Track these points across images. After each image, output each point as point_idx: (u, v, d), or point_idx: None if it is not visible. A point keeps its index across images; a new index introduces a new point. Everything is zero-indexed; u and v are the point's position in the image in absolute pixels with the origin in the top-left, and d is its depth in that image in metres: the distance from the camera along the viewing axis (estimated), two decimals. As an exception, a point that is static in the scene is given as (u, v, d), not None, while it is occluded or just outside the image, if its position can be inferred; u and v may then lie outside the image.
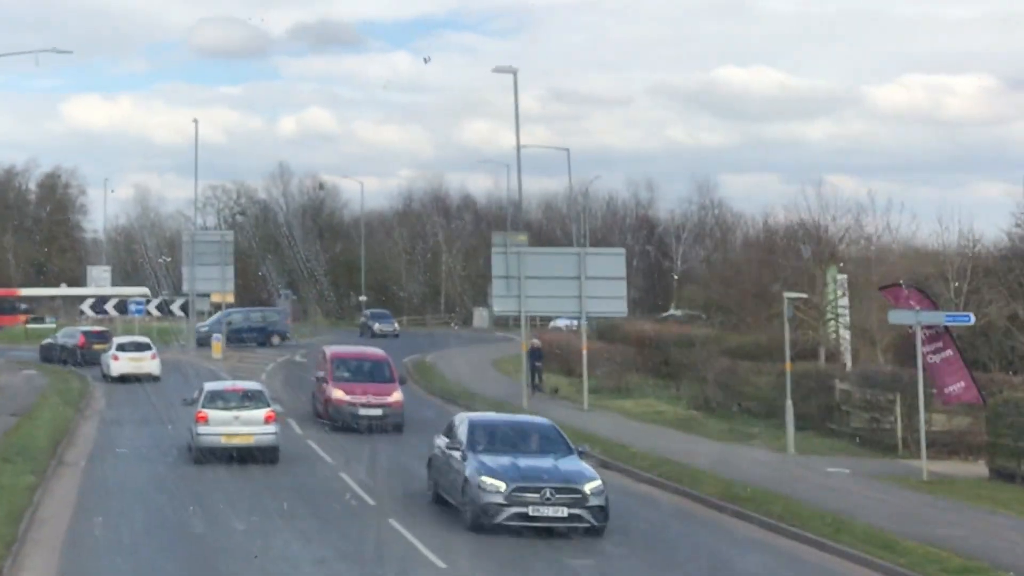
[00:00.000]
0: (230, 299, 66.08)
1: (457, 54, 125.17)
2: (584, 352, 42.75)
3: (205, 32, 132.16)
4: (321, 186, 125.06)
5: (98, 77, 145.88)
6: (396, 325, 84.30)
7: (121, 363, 49.74)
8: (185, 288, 66.18)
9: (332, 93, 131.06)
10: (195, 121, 67.66)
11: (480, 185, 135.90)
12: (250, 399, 29.51)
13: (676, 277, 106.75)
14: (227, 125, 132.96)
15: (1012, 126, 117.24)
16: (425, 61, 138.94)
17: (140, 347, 51.09)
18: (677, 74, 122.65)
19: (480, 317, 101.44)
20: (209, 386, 30.74)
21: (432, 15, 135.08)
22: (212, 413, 28.57)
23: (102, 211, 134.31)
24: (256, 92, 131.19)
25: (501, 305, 41.10)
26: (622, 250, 42.64)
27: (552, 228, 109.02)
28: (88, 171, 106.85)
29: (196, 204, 68.62)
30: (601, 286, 39.79)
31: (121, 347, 50.85)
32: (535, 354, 46.91)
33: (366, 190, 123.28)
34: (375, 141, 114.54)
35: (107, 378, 49.85)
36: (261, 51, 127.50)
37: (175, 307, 75.31)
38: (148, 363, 50.03)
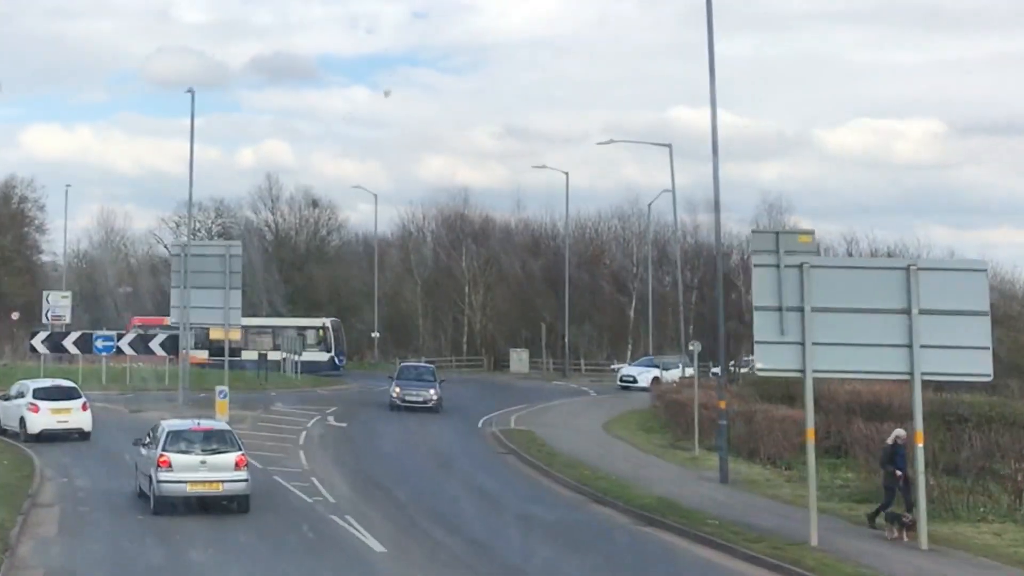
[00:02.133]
0: (235, 335, 48.41)
1: (415, 90, 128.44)
2: (919, 442, 23.99)
3: (163, 63, 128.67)
4: (314, 203, 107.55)
5: (57, 107, 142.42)
6: (436, 391, 50.48)
7: (41, 416, 38.25)
8: (173, 319, 48.51)
9: (290, 126, 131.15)
10: (191, 91, 49.75)
11: (498, 206, 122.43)
12: (218, 441, 26.70)
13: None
14: (185, 156, 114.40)
15: (960, 171, 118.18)
16: (385, 95, 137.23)
17: (65, 394, 39.26)
18: (631, 113, 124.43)
19: (518, 361, 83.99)
20: (169, 425, 27.34)
21: (390, 51, 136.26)
22: (175, 457, 25.81)
23: (62, 236, 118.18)
24: (215, 124, 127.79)
25: (768, 358, 23.14)
26: (983, 265, 23.77)
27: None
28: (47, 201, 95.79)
29: (190, 203, 49.72)
30: (948, 329, 22.40)
31: (41, 394, 38.91)
32: (895, 456, 25.36)
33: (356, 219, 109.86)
34: (333, 175, 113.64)
35: (22, 436, 38.03)
36: (220, 83, 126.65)
37: (156, 344, 57.78)
38: (77, 416, 38.71)
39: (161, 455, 25.57)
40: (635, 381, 66.78)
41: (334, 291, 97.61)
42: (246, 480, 25.96)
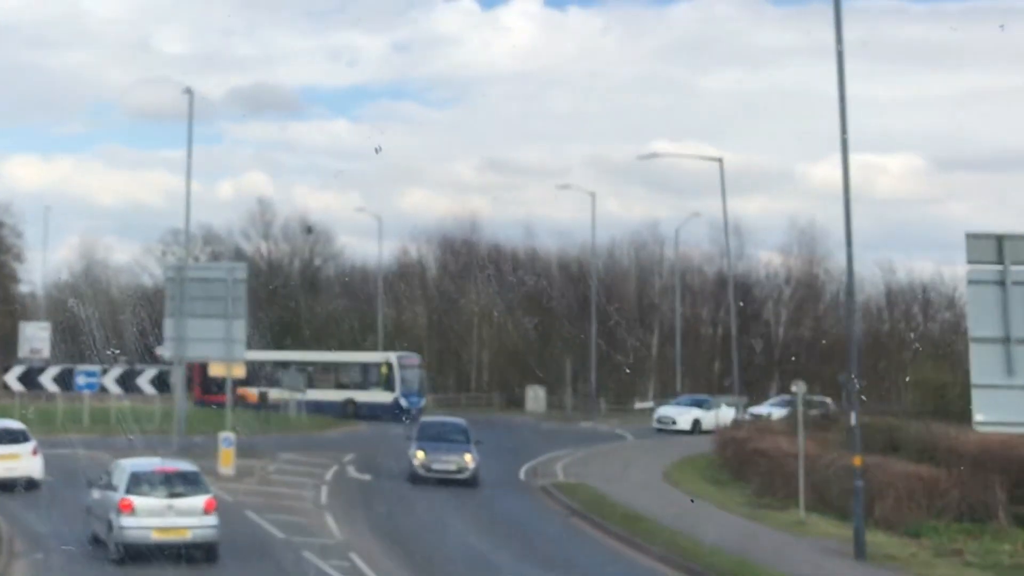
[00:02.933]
0: (239, 372, 41.97)
1: (397, 123, 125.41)
2: None
3: (142, 95, 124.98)
4: (309, 230, 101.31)
5: (37, 138, 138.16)
6: (473, 457, 38.07)
7: None
8: (165, 352, 42.19)
9: (272, 158, 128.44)
10: (188, 91, 43.41)
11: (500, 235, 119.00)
12: (185, 483, 24.39)
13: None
14: (168, 188, 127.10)
15: (942, 206, 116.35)
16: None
17: (11, 437, 34.02)
18: (612, 146, 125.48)
19: (534, 399, 77.59)
20: (131, 465, 24.78)
21: (372, 83, 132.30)
22: (139, 501, 23.44)
23: (41, 265, 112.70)
24: (197, 156, 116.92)
25: (993, 409, 16.73)
26: None
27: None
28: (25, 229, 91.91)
29: (187, 218, 42.64)
30: None
31: None
32: None
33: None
34: (314, 207, 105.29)
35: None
36: (201, 116, 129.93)
37: (144, 380, 51.42)
38: (26, 462, 33.45)
39: (123, 498, 23.42)
40: (674, 423, 60.54)
41: (332, 323, 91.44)
42: (215, 527, 23.82)
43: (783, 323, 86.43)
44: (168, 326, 41.85)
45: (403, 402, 62.00)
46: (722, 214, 59.60)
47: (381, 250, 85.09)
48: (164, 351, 41.96)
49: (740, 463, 39.22)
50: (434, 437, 37.96)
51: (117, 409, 53.58)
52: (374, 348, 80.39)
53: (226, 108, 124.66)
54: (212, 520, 23.80)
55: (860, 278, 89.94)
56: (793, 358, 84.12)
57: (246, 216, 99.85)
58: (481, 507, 32.55)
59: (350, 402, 63.19)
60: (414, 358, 66.72)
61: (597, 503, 31.97)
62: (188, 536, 23.51)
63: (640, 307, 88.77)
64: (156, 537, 23.36)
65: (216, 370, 42.00)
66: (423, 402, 64.57)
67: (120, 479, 24.05)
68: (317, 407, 60.32)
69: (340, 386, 64.75)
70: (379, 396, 62.95)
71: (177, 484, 24.24)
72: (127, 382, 52.04)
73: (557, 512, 32.42)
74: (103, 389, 52.25)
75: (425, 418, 43.72)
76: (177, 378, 43.04)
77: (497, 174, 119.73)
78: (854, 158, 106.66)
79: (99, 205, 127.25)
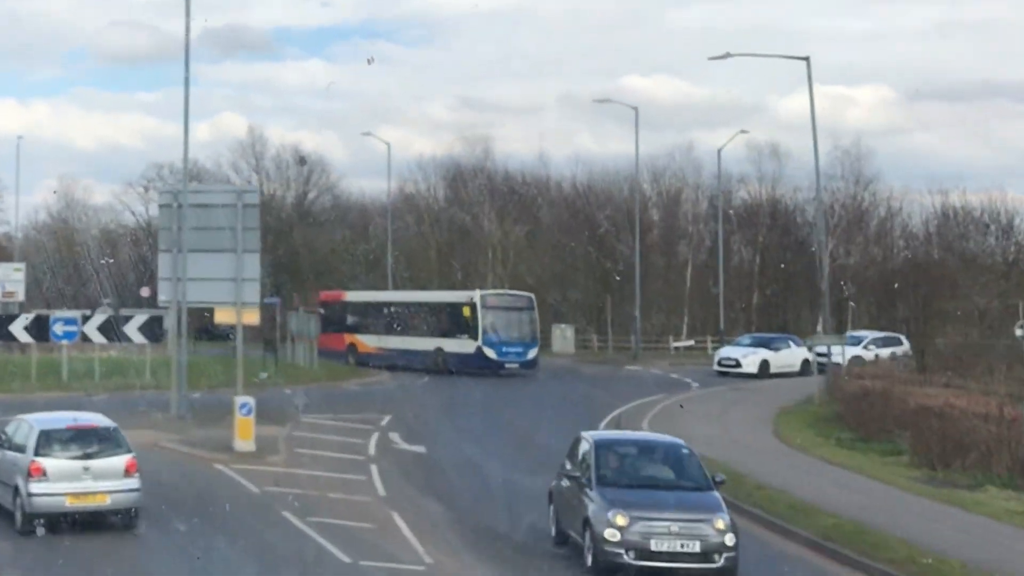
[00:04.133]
0: (251, 319, 34.18)
1: (369, 62, 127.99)
2: None
3: (115, 37, 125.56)
4: (302, 161, 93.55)
5: (13, 83, 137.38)
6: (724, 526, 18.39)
7: None
8: (163, 295, 34.55)
9: (246, 100, 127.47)
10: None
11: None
12: (102, 441, 21.35)
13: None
14: (145, 130, 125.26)
15: (910, 136, 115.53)
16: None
17: None
18: (584, 83, 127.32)
19: (562, 339, 70.08)
20: (39, 422, 21.65)
21: (345, 23, 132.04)
22: (51, 464, 20.57)
23: (14, 208, 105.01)
24: (172, 98, 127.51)
25: None
26: None
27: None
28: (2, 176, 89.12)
29: (186, 125, 34.02)
30: None
31: None
32: None
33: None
34: (289, 146, 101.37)
35: None
36: (175, 57, 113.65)
37: (132, 328, 43.90)
38: None
39: (32, 461, 20.61)
40: (738, 365, 53.13)
41: (332, 260, 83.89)
42: (137, 490, 20.92)
43: (829, 251, 78.53)
44: (163, 264, 34.41)
45: (489, 352, 50.99)
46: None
47: (390, 177, 77.14)
48: (161, 294, 34.23)
49: (874, 419, 31.79)
50: (630, 478, 18.91)
51: (107, 360, 46.33)
52: (384, 284, 72.90)
53: (200, 50, 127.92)
54: (134, 483, 20.81)
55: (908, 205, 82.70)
56: (843, 284, 76.82)
57: (236, 148, 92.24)
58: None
59: (439, 351, 52.66)
60: (510, 297, 55.35)
61: (735, 484, 24.41)
62: (107, 502, 20.57)
63: (669, 237, 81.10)
64: (71, 504, 20.49)
65: (223, 316, 34.23)
66: (529, 355, 52.11)
67: (28, 438, 21.09)
68: (405, 358, 53.08)
69: (429, 333, 54.11)
70: (463, 345, 51.97)
71: (93, 442, 21.27)
72: (113, 330, 44.43)
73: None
74: (85, 338, 44.65)
75: (600, 438, 20.39)
76: (174, 325, 35.32)
77: (471, 112, 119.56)
78: (826, 90, 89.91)
79: (76, 148, 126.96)
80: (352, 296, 60.20)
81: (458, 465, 27.19)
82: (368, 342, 55.83)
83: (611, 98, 64.37)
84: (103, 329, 44.53)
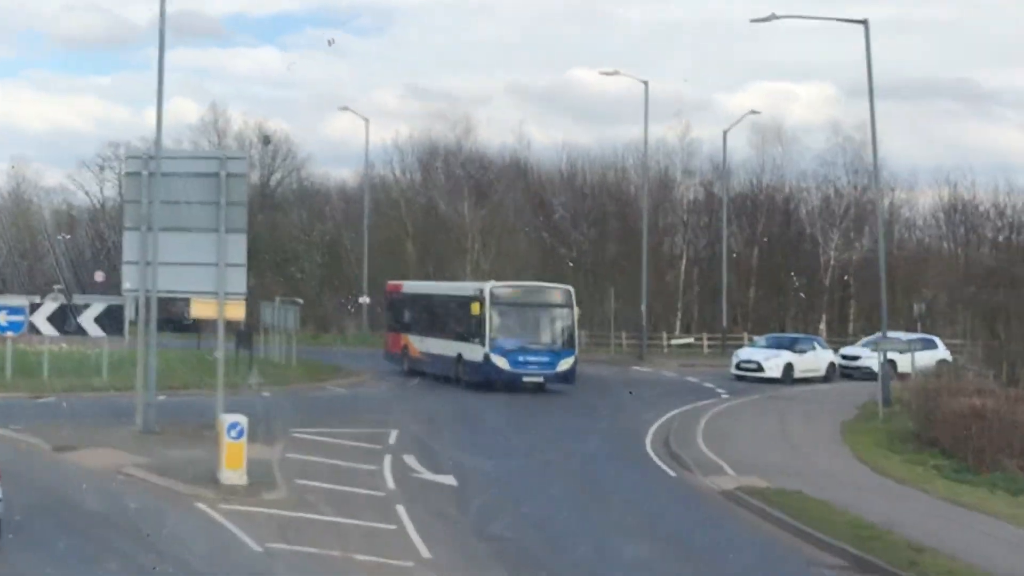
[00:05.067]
0: (238, 312, 28.32)
1: (321, 51, 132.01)
2: None
3: (70, 20, 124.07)
4: (266, 140, 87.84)
5: None
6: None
7: None
8: (128, 282, 28.70)
9: (199, 86, 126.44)
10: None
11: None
12: None
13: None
14: (98, 114, 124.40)
15: (853, 134, 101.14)
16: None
17: None
18: (532, 75, 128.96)
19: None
20: None
21: (296, 12, 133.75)
22: None
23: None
24: (125, 82, 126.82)
25: None
26: None
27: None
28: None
29: (160, 76, 28.67)
30: None
31: None
32: None
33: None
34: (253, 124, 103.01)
35: None
36: (128, 41, 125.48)
37: (88, 318, 38.20)
38: None
39: None
40: (760, 369, 47.82)
41: (300, 245, 77.93)
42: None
43: (835, 246, 73.23)
44: (128, 245, 28.64)
45: (498, 361, 40.23)
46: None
47: (368, 155, 71.30)
48: (127, 281, 28.45)
49: (987, 446, 26.49)
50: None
51: (57, 353, 40.61)
52: (357, 272, 67.22)
53: (152, 34, 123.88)
54: None
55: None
56: (846, 278, 71.76)
57: (198, 127, 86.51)
58: (654, 534, 19.66)
59: (460, 359, 41.96)
60: (531, 290, 43.76)
61: (878, 542, 18.92)
62: None
63: (658, 226, 75.63)
64: None
65: (202, 310, 28.42)
66: (559, 366, 40.72)
67: None
68: (435, 365, 44.11)
69: (450, 335, 43.30)
70: (473, 352, 41.17)
71: None
72: (66, 321, 38.59)
73: (770, 535, 19.76)
74: (33, 330, 38.84)
75: None
76: (141, 316, 29.58)
77: (421, 101, 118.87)
78: (770, 86, 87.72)
79: (28, 130, 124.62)
80: (408, 287, 50.83)
81: (503, 505, 21.61)
82: (416, 345, 45.98)
83: (619, 71, 58.06)
84: (54, 319, 38.70)
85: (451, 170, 78.44)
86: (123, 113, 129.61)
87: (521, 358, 40.30)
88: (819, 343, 51.39)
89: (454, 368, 42.20)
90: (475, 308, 40.76)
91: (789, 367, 47.87)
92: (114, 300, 38.36)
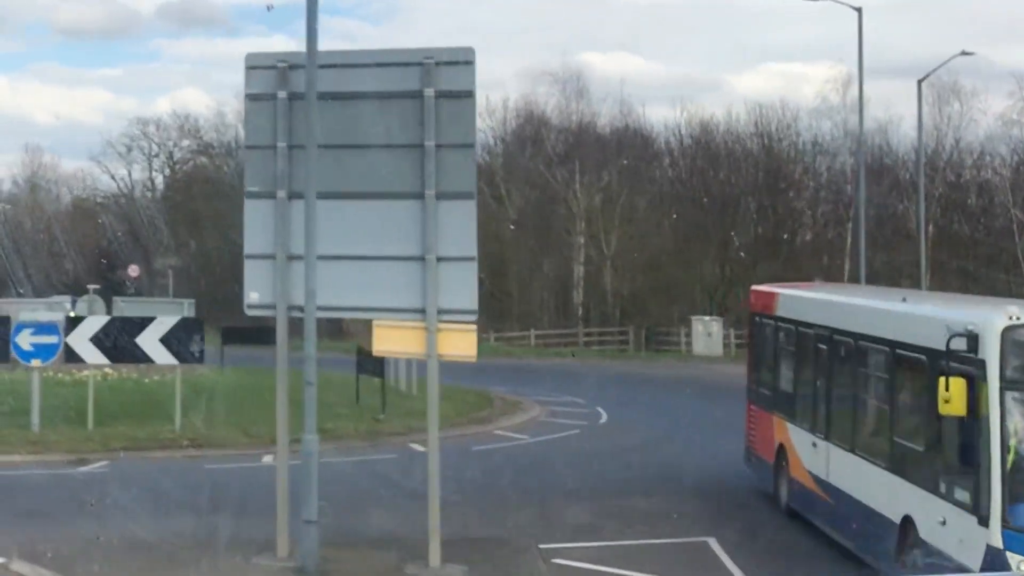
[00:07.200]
0: (467, 347, 15.39)
1: (332, 39, 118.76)
2: None
3: (75, 11, 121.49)
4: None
5: None
6: None
7: None
8: (253, 292, 15.78)
9: (208, 76, 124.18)
10: None
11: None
12: None
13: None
14: (107, 106, 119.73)
15: (864, 114, 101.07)
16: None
17: None
18: (542, 59, 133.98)
19: (707, 336, 52.32)
20: None
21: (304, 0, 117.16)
22: None
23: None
24: (133, 74, 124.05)
25: None
26: None
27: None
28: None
29: None
30: None
31: None
32: None
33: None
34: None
35: None
36: (134, 33, 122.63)
37: (151, 338, 26.09)
38: None
39: None
40: None
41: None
42: None
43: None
44: (253, 225, 15.85)
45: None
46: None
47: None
48: (251, 288, 15.62)
49: None
50: None
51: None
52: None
53: (159, 24, 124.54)
54: None
55: None
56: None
57: (236, 92, 74.17)
58: None
59: (908, 525, 14.85)
60: None
61: None
62: None
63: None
64: None
65: (393, 341, 15.34)
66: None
67: None
68: (842, 523, 16.99)
69: (890, 459, 15.58)
70: (943, 518, 13.41)
71: None
72: (119, 343, 26.12)
73: None
74: (71, 356, 26.33)
75: None
76: (278, 348, 17.07)
77: None
78: (780, 68, 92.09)
79: (38, 123, 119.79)
80: (788, 302, 20.91)
81: None
82: (804, 458, 18.65)
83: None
84: (100, 340, 26.17)
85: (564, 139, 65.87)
86: (129, 103, 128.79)
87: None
88: None
89: (885, 541, 14.97)
90: (952, 390, 12.64)
91: None
92: (175, 303, 26.08)
